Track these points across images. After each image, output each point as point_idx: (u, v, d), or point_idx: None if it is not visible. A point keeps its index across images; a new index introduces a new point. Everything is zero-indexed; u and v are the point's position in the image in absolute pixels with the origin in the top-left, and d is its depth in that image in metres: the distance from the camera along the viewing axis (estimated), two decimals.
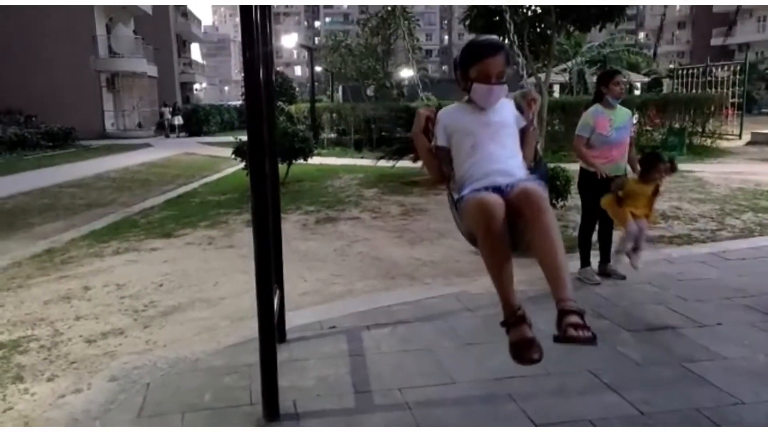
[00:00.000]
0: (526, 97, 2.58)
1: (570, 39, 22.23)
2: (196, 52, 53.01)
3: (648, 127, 16.36)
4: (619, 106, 4.94)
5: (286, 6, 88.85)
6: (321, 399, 3.13)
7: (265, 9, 3.31)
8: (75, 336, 4.18)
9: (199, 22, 51.72)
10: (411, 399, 3.09)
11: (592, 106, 4.97)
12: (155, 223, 8.30)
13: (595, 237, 5.15)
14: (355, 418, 2.96)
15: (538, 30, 10.96)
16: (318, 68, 31.35)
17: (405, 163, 11.03)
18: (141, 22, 33.22)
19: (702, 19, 54.72)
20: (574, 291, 2.13)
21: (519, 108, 2.64)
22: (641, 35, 67.32)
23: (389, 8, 23.07)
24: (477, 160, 2.48)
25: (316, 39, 69.74)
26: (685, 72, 21.64)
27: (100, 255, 6.53)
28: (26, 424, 3.03)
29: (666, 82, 30.47)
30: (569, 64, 24.44)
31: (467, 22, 11.02)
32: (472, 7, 10.75)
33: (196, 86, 50.32)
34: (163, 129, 30.78)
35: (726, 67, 20.42)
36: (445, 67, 76.64)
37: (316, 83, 24.54)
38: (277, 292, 3.52)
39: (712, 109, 17.74)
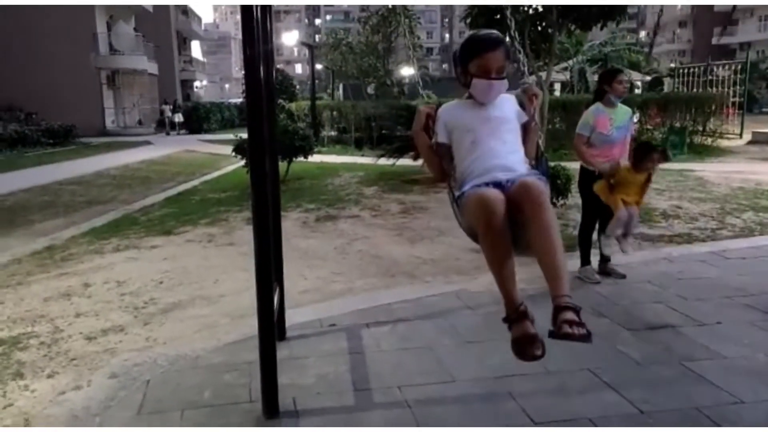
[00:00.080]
0: (528, 92, 2.57)
1: (571, 37, 22.21)
2: (196, 49, 53.02)
3: (649, 126, 16.34)
4: (620, 104, 4.94)
5: (287, 4, 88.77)
6: (321, 397, 3.14)
7: (266, 7, 3.31)
8: (75, 333, 4.19)
9: (199, 19, 51.73)
10: (411, 397, 3.09)
11: (593, 104, 4.97)
12: (155, 220, 8.30)
13: (595, 236, 5.15)
14: (354, 416, 2.96)
15: (539, 28, 10.93)
16: (318, 66, 31.36)
17: (405, 161, 11.02)
18: (142, 19, 33.20)
19: (703, 18, 54.65)
20: (571, 288, 2.13)
21: (521, 103, 2.63)
22: (642, 34, 67.17)
23: (390, 6, 23.08)
24: (477, 156, 2.48)
25: (317, 37, 69.71)
26: (686, 71, 21.59)
27: (101, 252, 6.53)
28: (26, 421, 3.03)
29: (667, 81, 30.44)
30: (570, 62, 24.42)
31: (468, 20, 11.01)
32: (473, 6, 10.74)
33: (197, 84, 50.30)
34: (164, 126, 30.78)
35: (727, 66, 20.38)
36: (445, 65, 76.51)
37: (316, 81, 24.51)
38: (277, 289, 3.52)
39: (713, 108, 17.70)
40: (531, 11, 10.32)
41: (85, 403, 3.17)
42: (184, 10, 44.65)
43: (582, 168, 5.03)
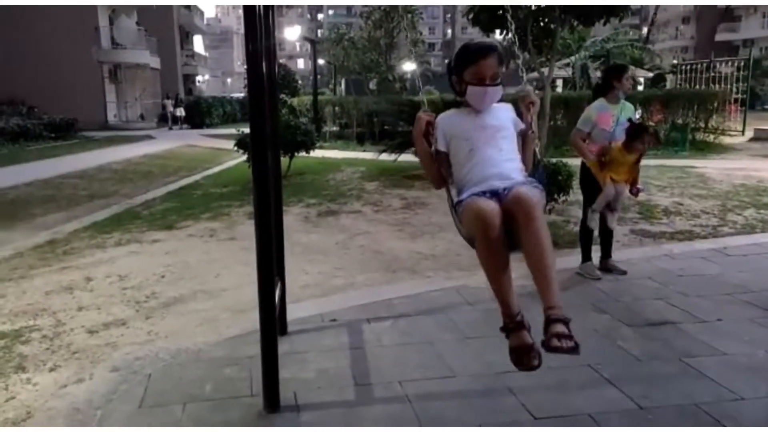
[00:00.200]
0: (525, 100, 2.58)
1: (574, 34, 22.18)
2: (198, 43, 52.91)
3: (651, 123, 16.31)
4: (622, 101, 4.94)
5: None
6: (321, 391, 3.15)
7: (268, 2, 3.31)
8: (77, 326, 4.20)
9: (202, 13, 51.55)
10: (411, 392, 3.10)
11: (597, 100, 4.96)
12: (157, 214, 8.31)
13: (596, 232, 5.15)
14: (355, 411, 2.98)
15: (542, 24, 10.91)
16: (321, 61, 31.33)
17: (407, 157, 11.03)
18: (144, 13, 33.14)
19: (706, 14, 54.41)
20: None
21: (518, 111, 2.65)
22: (645, 30, 66.96)
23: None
24: (474, 164, 2.50)
25: (319, 32, 69.62)
26: (688, 67, 21.53)
27: (102, 246, 6.55)
28: (28, 414, 3.04)
29: (669, 77, 30.38)
30: (572, 58, 24.34)
31: (470, 16, 10.98)
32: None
33: (199, 78, 50.27)
34: (166, 121, 30.80)
35: (730, 63, 20.33)
36: (447, 61, 76.22)
37: (318, 76, 24.48)
38: (279, 284, 3.52)
39: (716, 104, 17.67)
40: (534, 7, 10.28)
41: (86, 396, 3.19)
42: (187, 5, 44.55)
43: (583, 164, 5.02)
